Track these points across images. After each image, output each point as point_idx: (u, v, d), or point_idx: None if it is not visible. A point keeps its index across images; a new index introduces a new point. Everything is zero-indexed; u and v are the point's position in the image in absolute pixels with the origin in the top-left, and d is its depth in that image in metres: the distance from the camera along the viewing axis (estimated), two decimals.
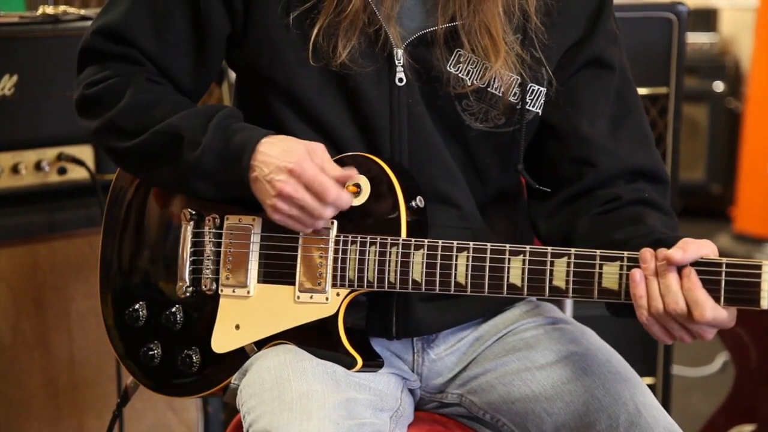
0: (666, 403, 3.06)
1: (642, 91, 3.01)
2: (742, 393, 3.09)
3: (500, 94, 1.78)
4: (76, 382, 2.64)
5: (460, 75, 1.77)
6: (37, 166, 2.54)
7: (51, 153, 2.56)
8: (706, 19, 6.51)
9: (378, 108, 1.76)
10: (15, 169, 2.51)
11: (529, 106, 1.80)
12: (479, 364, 1.86)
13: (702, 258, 1.56)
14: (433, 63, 1.76)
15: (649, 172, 1.82)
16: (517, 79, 1.78)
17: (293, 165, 1.66)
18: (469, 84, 1.77)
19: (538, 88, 1.80)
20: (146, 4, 1.80)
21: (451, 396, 1.88)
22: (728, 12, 6.69)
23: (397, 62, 1.76)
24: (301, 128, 1.78)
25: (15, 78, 2.48)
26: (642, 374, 1.86)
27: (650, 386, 2.22)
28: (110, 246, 1.93)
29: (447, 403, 1.89)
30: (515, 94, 1.79)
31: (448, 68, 1.77)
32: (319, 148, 1.70)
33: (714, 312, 1.53)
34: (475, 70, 1.77)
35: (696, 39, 6.42)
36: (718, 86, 6.41)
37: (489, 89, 1.78)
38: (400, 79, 1.76)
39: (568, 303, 2.72)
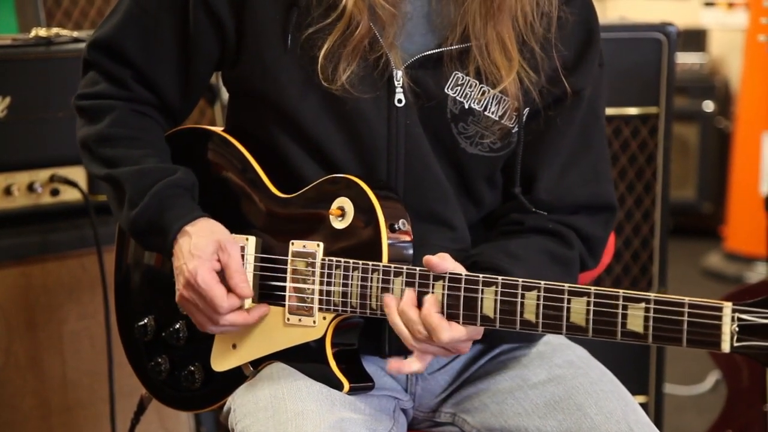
0: (658, 422, 3.06)
1: (632, 110, 3.03)
2: (734, 412, 3.10)
3: (497, 118, 1.79)
4: (69, 404, 2.64)
5: (457, 98, 1.78)
6: (30, 188, 2.54)
7: (44, 174, 2.56)
8: (696, 40, 6.53)
9: (376, 128, 1.77)
10: (8, 191, 2.51)
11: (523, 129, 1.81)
12: (472, 383, 1.87)
13: (450, 271, 1.63)
14: (432, 85, 1.77)
15: (589, 205, 1.86)
16: (514, 103, 1.78)
17: (188, 274, 1.73)
18: (467, 107, 1.78)
19: (529, 111, 1.81)
20: (137, 17, 1.83)
21: (444, 415, 1.88)
22: (718, 33, 6.72)
23: (396, 83, 1.76)
24: (293, 147, 1.79)
25: (8, 100, 2.49)
26: (634, 393, 1.86)
27: (642, 405, 2.22)
28: (122, 261, 1.98)
29: (440, 423, 1.89)
30: (512, 118, 1.80)
31: (446, 90, 1.78)
32: (230, 246, 1.75)
33: (450, 333, 1.63)
34: (472, 93, 1.78)
35: (686, 59, 6.44)
36: (708, 106, 6.43)
37: (485, 113, 1.79)
38: (399, 100, 1.77)
39: None
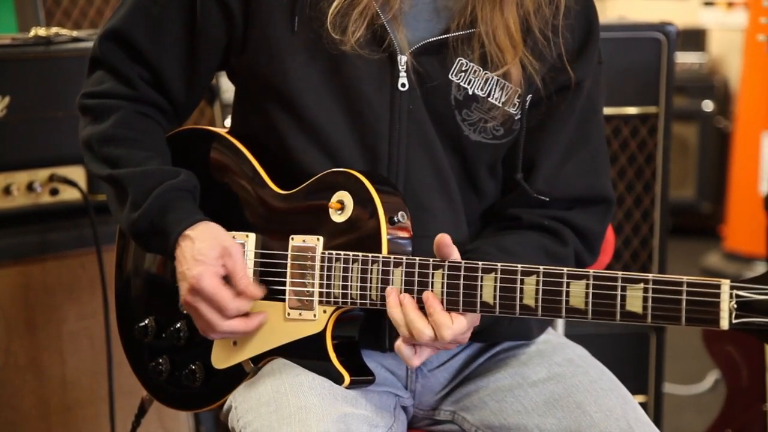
0: (658, 421, 3.06)
1: (632, 110, 3.03)
2: (734, 411, 3.10)
3: (500, 104, 1.80)
4: (69, 403, 2.64)
5: (461, 84, 1.79)
6: (29, 187, 2.54)
7: (43, 174, 2.56)
8: (696, 39, 6.54)
9: (379, 112, 1.78)
10: (7, 191, 2.51)
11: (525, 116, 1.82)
12: (472, 381, 1.87)
13: (454, 259, 1.64)
14: (437, 70, 1.78)
15: (587, 198, 1.86)
16: (517, 89, 1.79)
17: (193, 280, 1.72)
18: (470, 93, 1.79)
19: (531, 98, 1.82)
20: (145, 5, 1.84)
21: (444, 413, 1.89)
22: (717, 32, 6.73)
23: (400, 67, 1.77)
24: (294, 134, 1.79)
25: (7, 99, 2.49)
26: (633, 392, 1.86)
27: (642, 404, 2.22)
28: (123, 262, 1.98)
29: (440, 421, 1.89)
30: (515, 104, 1.81)
31: (450, 77, 1.78)
32: (234, 251, 1.74)
33: (452, 331, 1.64)
34: (476, 79, 1.79)
35: (685, 59, 6.45)
36: (708, 105, 6.44)
37: (489, 99, 1.80)
38: (403, 84, 1.78)
39: (560, 321, 2.73)
